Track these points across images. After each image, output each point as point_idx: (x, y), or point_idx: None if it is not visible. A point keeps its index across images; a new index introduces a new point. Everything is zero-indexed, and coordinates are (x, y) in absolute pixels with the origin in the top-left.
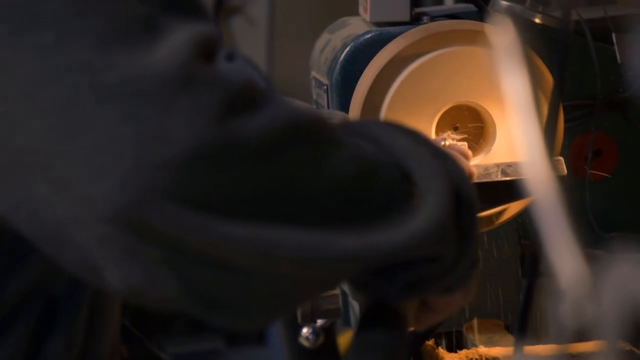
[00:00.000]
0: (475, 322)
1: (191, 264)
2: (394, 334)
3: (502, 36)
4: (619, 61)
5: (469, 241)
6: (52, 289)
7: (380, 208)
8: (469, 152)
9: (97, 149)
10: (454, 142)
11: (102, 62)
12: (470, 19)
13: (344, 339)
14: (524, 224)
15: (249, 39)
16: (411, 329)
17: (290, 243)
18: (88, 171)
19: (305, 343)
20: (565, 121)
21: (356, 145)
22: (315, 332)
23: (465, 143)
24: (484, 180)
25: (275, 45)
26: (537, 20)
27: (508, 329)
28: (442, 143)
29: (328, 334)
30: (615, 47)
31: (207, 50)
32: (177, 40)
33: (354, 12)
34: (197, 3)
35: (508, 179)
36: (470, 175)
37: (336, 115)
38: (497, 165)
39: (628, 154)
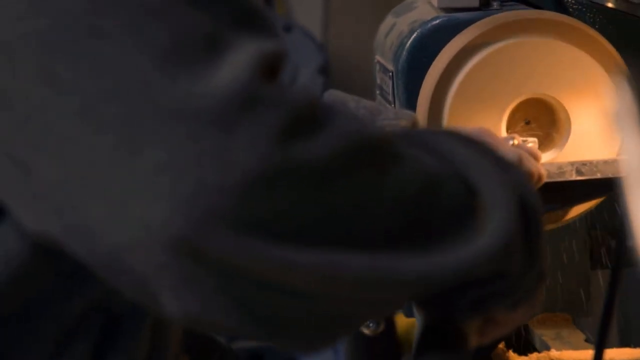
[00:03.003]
0: (543, 316)
1: (252, 291)
2: (456, 356)
3: (618, 101)
4: None
5: (535, 255)
6: (115, 308)
7: (445, 225)
8: (539, 153)
9: (156, 171)
10: (524, 140)
11: (164, 79)
12: (542, 4)
13: (404, 328)
14: (594, 215)
15: (304, 5)
16: (475, 344)
17: (355, 267)
18: (145, 194)
19: (365, 330)
20: None
21: (419, 159)
22: (377, 320)
23: (536, 140)
24: (558, 179)
25: (331, 11)
26: (609, 5)
27: (575, 323)
28: (510, 142)
29: (389, 323)
30: None
31: (272, 69)
32: (241, 58)
33: None
34: (264, 18)
35: (583, 178)
36: (540, 177)
37: (404, 115)
38: (572, 163)
39: None
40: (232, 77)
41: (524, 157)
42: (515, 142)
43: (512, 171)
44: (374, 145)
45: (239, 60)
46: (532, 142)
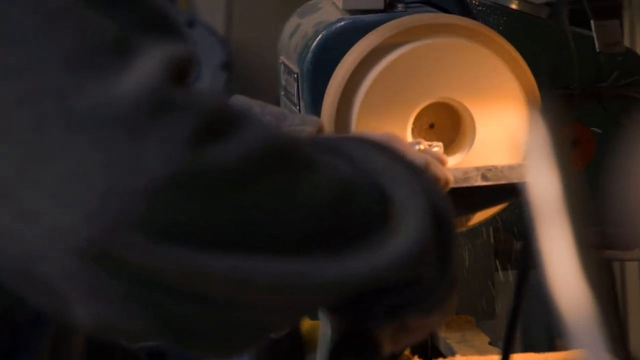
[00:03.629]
0: (447, 319)
1: (164, 297)
2: None
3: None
4: (597, 49)
5: (448, 261)
6: (18, 318)
7: (358, 231)
8: (445, 158)
9: (64, 178)
10: (429, 145)
11: (71, 86)
12: (444, 5)
13: (308, 329)
14: (498, 217)
15: (207, 0)
16: (388, 351)
17: (268, 273)
18: (54, 201)
19: None
20: None
21: (332, 165)
22: None
23: (441, 144)
24: (463, 185)
25: (234, 7)
26: (513, 7)
27: (478, 325)
28: (417, 147)
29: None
30: (594, 34)
31: (181, 73)
32: (150, 62)
33: None
34: (172, 22)
35: (488, 183)
36: (447, 182)
37: (310, 121)
38: (477, 169)
39: (605, 145)
40: (141, 82)
41: (431, 162)
42: (422, 147)
43: (422, 177)
44: (287, 151)
45: (148, 65)
46: (437, 147)
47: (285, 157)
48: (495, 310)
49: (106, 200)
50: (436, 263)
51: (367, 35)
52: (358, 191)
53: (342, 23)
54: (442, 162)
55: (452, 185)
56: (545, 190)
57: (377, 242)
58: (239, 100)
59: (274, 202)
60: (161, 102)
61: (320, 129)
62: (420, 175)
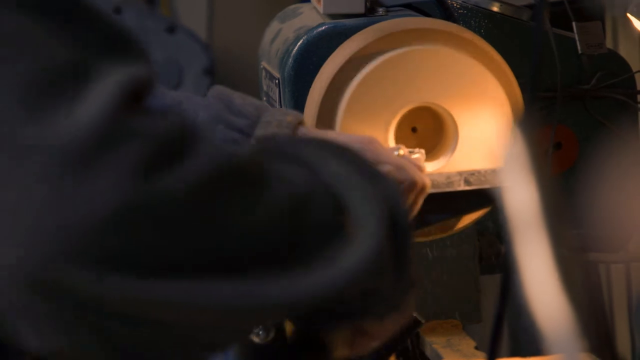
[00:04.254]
0: (433, 323)
1: (111, 324)
2: None
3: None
4: (579, 51)
5: (404, 267)
6: None
7: (313, 247)
8: (423, 164)
9: (8, 210)
10: (410, 151)
11: (22, 116)
12: (425, 8)
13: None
14: (483, 220)
15: (189, 3)
16: (345, 355)
17: (214, 296)
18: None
19: (255, 338)
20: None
21: (289, 179)
22: (266, 328)
23: (423, 151)
24: (446, 189)
25: (217, 9)
26: (494, 9)
27: (465, 329)
28: (396, 153)
29: (279, 330)
30: (576, 35)
31: (138, 95)
32: (104, 90)
33: None
34: (130, 42)
35: (471, 188)
36: (424, 187)
37: (291, 113)
38: (460, 173)
39: (589, 147)
40: (93, 113)
41: (409, 167)
42: (401, 152)
43: (382, 183)
44: (238, 172)
45: (101, 93)
46: (418, 154)
47: (236, 178)
48: (481, 314)
49: (51, 232)
50: (392, 271)
51: (348, 41)
52: (313, 204)
53: (323, 28)
54: (421, 169)
55: (430, 190)
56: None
57: (331, 257)
58: (219, 90)
59: (222, 226)
60: (111, 132)
61: (301, 122)
62: (378, 181)
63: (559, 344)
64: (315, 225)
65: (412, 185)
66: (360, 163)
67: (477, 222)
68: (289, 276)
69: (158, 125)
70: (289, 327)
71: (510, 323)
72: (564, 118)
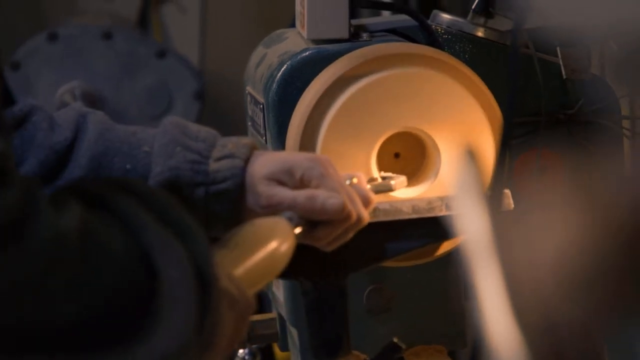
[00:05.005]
0: (417, 348)
1: None
2: None
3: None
4: (564, 76)
5: (208, 326)
6: None
7: (119, 329)
8: (371, 197)
9: None
10: (384, 178)
11: None
12: (409, 33)
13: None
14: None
15: (181, 29)
16: None
17: None
18: None
19: None
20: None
21: (106, 249)
22: (252, 353)
23: (404, 178)
24: (428, 215)
25: (209, 35)
26: (479, 34)
27: (451, 355)
28: (348, 182)
29: (265, 355)
30: (560, 60)
31: None
32: None
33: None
34: None
35: (453, 213)
36: (359, 221)
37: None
38: (441, 198)
39: (574, 171)
40: None
41: (352, 200)
42: (354, 180)
43: (196, 242)
44: (62, 252)
45: None
46: (397, 180)
47: (56, 263)
48: (466, 340)
49: None
50: (197, 340)
51: (331, 65)
52: (128, 278)
53: (307, 53)
54: (367, 201)
55: (412, 215)
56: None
57: (139, 339)
58: (174, 119)
59: (31, 312)
60: None
61: (255, 147)
62: (190, 238)
63: None
64: (125, 301)
65: (347, 218)
66: (176, 217)
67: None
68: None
69: None
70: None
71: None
72: (548, 142)
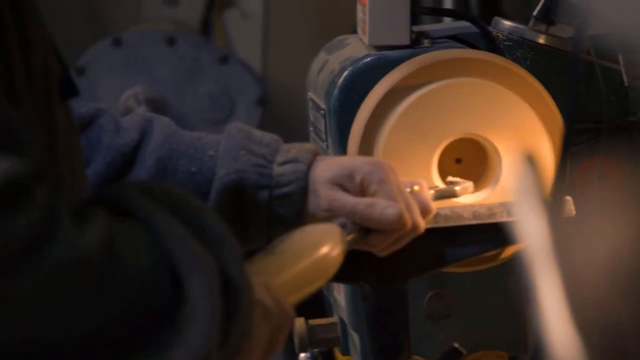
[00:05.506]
0: (478, 354)
1: None
2: None
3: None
4: (625, 83)
5: (233, 335)
6: None
7: (145, 337)
8: (431, 206)
9: None
10: (450, 183)
11: None
12: (471, 40)
13: None
14: None
15: (244, 35)
16: None
17: None
18: None
19: None
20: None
21: (130, 263)
22: (313, 357)
23: (471, 183)
24: (489, 221)
25: (271, 41)
26: (540, 41)
27: None
28: (408, 189)
29: (327, 359)
30: (622, 68)
31: (19, 188)
32: None
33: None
34: (10, 133)
35: (514, 219)
36: (416, 229)
37: (310, 145)
38: (503, 204)
39: (634, 178)
40: None
41: (410, 208)
42: (416, 188)
43: (223, 249)
44: (81, 271)
45: None
46: (465, 185)
47: (77, 277)
48: (527, 345)
49: None
50: (219, 347)
51: (392, 72)
52: (152, 289)
53: (368, 59)
54: (427, 210)
55: (473, 221)
56: (534, 233)
57: (163, 346)
58: (238, 125)
59: (57, 327)
60: None
61: (317, 152)
62: (220, 247)
63: None
64: (152, 313)
65: (402, 226)
66: (207, 225)
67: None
68: None
69: (8, 229)
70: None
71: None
72: (609, 150)
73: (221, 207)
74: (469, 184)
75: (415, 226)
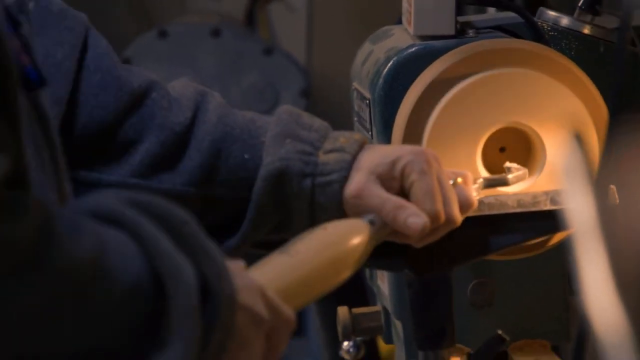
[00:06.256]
0: (520, 343)
1: None
2: None
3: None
4: None
5: (213, 345)
6: None
7: (128, 347)
8: (473, 200)
9: None
10: (507, 168)
11: None
12: (516, 30)
13: (387, 353)
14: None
15: (289, 27)
16: None
17: None
18: None
19: (346, 356)
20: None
21: (117, 271)
22: (357, 345)
23: (526, 170)
24: (533, 209)
25: (315, 33)
26: (585, 32)
27: (555, 349)
28: (452, 182)
29: (370, 347)
30: None
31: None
32: None
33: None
34: None
35: (558, 207)
36: (453, 223)
37: (358, 134)
38: (546, 193)
39: None
40: None
41: (449, 201)
42: (459, 180)
43: (208, 262)
44: (68, 275)
45: None
46: (519, 173)
47: (66, 284)
48: (569, 334)
49: None
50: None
51: (437, 61)
52: (133, 297)
53: (413, 49)
54: (468, 204)
55: (517, 209)
56: (581, 214)
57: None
58: (288, 108)
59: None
60: None
61: (365, 142)
62: (205, 259)
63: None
64: (134, 325)
65: (435, 219)
66: (190, 239)
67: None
68: None
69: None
70: (380, 344)
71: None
72: None
73: (266, 194)
74: (523, 172)
75: (450, 220)
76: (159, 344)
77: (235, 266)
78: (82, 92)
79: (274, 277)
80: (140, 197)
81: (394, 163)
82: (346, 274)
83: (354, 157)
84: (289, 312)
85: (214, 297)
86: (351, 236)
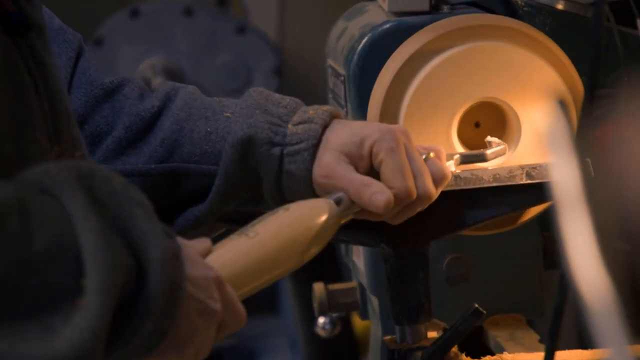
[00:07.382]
0: (496, 317)
1: None
2: None
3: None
4: None
5: (149, 317)
6: None
7: (32, 312)
8: (446, 173)
9: None
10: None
11: None
12: (490, 6)
13: (362, 329)
14: (547, 215)
15: (261, 5)
16: None
17: None
18: None
19: (321, 333)
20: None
21: (40, 233)
22: (332, 322)
23: (505, 145)
24: (508, 183)
25: (288, 11)
26: (559, 7)
27: (530, 323)
28: (424, 156)
29: (345, 324)
30: None
31: None
32: None
33: None
34: None
35: (533, 181)
36: (429, 198)
37: (327, 107)
38: (522, 167)
39: None
40: None
41: (422, 174)
42: (431, 155)
43: (146, 248)
44: None
45: None
46: (498, 149)
47: None
48: (544, 309)
49: None
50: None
51: (412, 37)
52: (44, 266)
53: (388, 25)
54: (442, 177)
55: (493, 183)
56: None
57: (51, 327)
58: (259, 88)
59: None
60: None
61: (336, 115)
62: (144, 247)
63: (604, 332)
64: (39, 292)
65: (406, 195)
66: (135, 224)
67: (542, 216)
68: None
69: None
70: (356, 320)
71: (578, 316)
72: (627, 114)
73: (234, 161)
74: (504, 147)
75: (425, 194)
76: (66, 319)
77: (194, 253)
78: None
79: (231, 259)
80: (98, 170)
81: (362, 142)
82: (308, 254)
83: (324, 128)
84: (242, 310)
85: (150, 284)
86: (313, 216)
